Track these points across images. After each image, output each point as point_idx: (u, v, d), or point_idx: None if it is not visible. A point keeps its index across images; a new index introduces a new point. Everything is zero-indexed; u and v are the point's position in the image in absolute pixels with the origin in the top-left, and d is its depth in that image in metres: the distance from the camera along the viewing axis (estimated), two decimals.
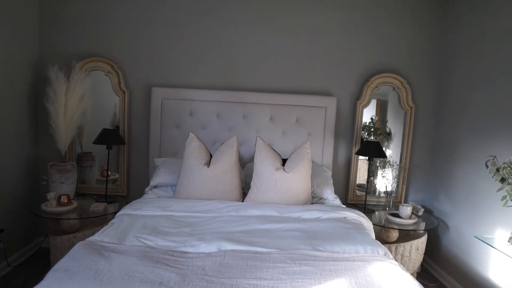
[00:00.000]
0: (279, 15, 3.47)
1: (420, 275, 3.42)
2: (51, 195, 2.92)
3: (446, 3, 3.50)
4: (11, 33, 3.00)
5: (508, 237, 2.32)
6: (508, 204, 2.27)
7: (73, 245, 2.54)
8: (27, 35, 3.23)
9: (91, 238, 2.04)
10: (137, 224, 2.27)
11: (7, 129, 3.03)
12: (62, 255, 2.58)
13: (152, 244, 2.02)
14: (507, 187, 2.25)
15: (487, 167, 2.38)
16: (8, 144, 3.04)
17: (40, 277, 1.62)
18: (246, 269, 1.78)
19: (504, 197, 2.29)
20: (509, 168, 2.21)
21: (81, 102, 3.17)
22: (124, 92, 3.42)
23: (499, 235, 2.61)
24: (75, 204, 3.01)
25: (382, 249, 2.11)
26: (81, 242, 1.96)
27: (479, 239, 2.48)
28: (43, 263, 3.21)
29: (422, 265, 3.55)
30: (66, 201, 2.94)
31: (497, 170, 2.30)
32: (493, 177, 2.34)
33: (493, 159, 2.38)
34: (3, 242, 2.91)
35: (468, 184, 3.08)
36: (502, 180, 2.28)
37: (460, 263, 3.12)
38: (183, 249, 1.99)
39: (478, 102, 3.01)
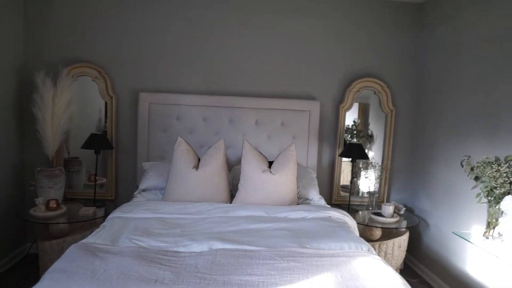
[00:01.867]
0: (263, 22, 3.57)
1: (403, 272, 3.54)
2: (39, 200, 2.94)
3: (423, 11, 3.66)
4: None
5: (483, 232, 2.45)
6: (482, 201, 2.41)
7: (62, 249, 2.57)
8: (12, 40, 3.22)
9: (84, 241, 2.08)
10: (129, 226, 2.32)
11: None
12: (51, 260, 2.62)
13: (144, 245, 2.08)
14: (481, 185, 2.38)
15: (462, 166, 2.52)
16: None
17: (29, 283, 1.64)
18: (237, 266, 1.85)
19: (478, 194, 2.43)
20: (482, 167, 2.35)
21: (68, 107, 3.19)
22: (111, 97, 3.46)
23: (475, 230, 2.75)
24: (64, 208, 3.03)
25: (365, 245, 2.21)
26: (74, 244, 2.00)
27: (457, 235, 2.61)
28: (31, 269, 3.20)
29: (404, 262, 3.68)
30: (55, 206, 2.96)
31: (472, 169, 2.44)
32: (468, 175, 2.48)
33: (468, 159, 2.52)
34: None
35: (446, 183, 3.22)
36: (476, 178, 2.42)
37: (440, 258, 3.26)
38: (175, 249, 2.06)
39: (453, 105, 3.17)
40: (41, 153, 3.18)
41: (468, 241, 2.49)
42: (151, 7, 3.47)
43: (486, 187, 2.35)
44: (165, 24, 3.50)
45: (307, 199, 3.17)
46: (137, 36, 3.49)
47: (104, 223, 2.42)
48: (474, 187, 2.46)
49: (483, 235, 2.44)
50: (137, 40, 3.49)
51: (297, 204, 2.99)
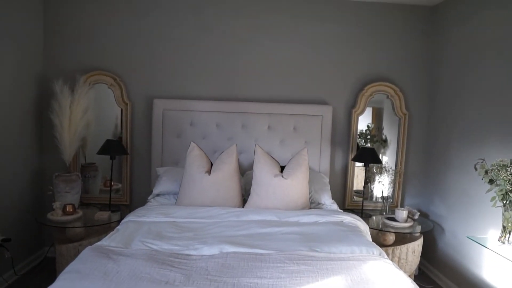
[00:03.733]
0: (275, 28, 3.61)
1: (418, 278, 3.49)
2: (57, 205, 3.02)
3: (436, 14, 3.64)
4: (17, 48, 3.12)
5: (498, 236, 2.41)
6: (497, 205, 2.37)
7: (78, 253, 2.62)
8: (32, 50, 3.34)
9: (98, 243, 2.13)
10: (142, 229, 2.36)
11: (14, 141, 3.13)
12: (67, 263, 2.65)
13: (157, 248, 2.12)
14: (496, 188, 2.34)
15: (476, 169, 2.48)
16: (14, 156, 3.14)
17: (47, 285, 1.69)
18: (247, 269, 1.87)
19: (493, 198, 2.39)
20: (496, 170, 2.31)
21: (85, 114, 3.28)
22: (126, 104, 3.53)
23: (491, 235, 2.71)
24: (80, 213, 3.10)
25: (377, 249, 2.20)
26: (89, 246, 2.05)
27: (471, 239, 2.57)
28: (49, 272, 3.28)
29: (419, 268, 3.63)
30: (71, 210, 3.03)
31: (486, 172, 2.40)
32: (482, 179, 2.45)
33: (482, 162, 2.48)
34: (10, 251, 2.99)
35: (461, 187, 3.18)
36: (491, 181, 2.38)
37: (456, 264, 3.20)
38: (187, 252, 2.09)
39: (468, 108, 3.13)
40: (59, 158, 3.28)
41: (484, 246, 2.45)
42: (165, 16, 3.54)
43: (501, 190, 2.31)
44: (178, 32, 3.56)
45: (319, 203, 3.17)
46: (151, 44, 3.56)
47: (118, 227, 2.47)
48: (489, 190, 2.42)
49: (499, 240, 2.40)
50: (151, 48, 3.57)
51: (309, 209, 2.99)
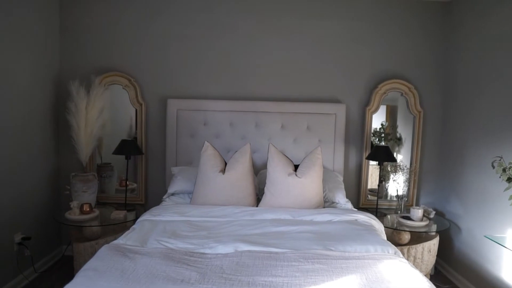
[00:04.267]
0: (288, 26, 3.61)
1: (434, 277, 3.46)
2: (74, 204, 3.07)
3: (450, 9, 3.59)
4: (34, 50, 3.17)
5: None
6: None
7: (95, 251, 2.67)
8: (48, 52, 3.40)
9: (115, 242, 2.17)
10: (157, 228, 2.39)
11: (32, 142, 3.19)
12: (85, 261, 2.71)
13: (172, 246, 2.14)
14: None
15: (493, 167, 2.44)
16: (33, 156, 3.21)
17: (65, 282, 1.73)
18: (262, 267, 1.88)
19: (511, 197, 2.35)
20: None
21: (100, 115, 3.33)
22: (141, 105, 3.58)
23: (510, 234, 2.66)
24: (96, 212, 3.15)
25: (392, 248, 2.18)
26: (106, 245, 2.09)
27: (489, 239, 2.53)
28: (67, 269, 3.35)
29: (435, 267, 3.59)
30: (88, 209, 3.09)
31: (504, 170, 2.36)
32: (500, 177, 2.40)
33: (500, 160, 2.44)
34: (30, 249, 3.06)
35: (478, 186, 3.13)
36: (509, 179, 2.34)
37: (473, 264, 3.16)
38: (202, 250, 2.10)
39: (484, 105, 3.08)
40: (75, 159, 3.34)
41: (502, 245, 2.41)
42: (178, 16, 3.57)
43: None
44: (191, 32, 3.59)
45: (333, 202, 3.16)
46: (165, 45, 3.60)
47: (134, 226, 2.51)
48: (507, 189, 2.37)
49: None
50: (165, 49, 3.60)
51: (323, 207, 2.98)
